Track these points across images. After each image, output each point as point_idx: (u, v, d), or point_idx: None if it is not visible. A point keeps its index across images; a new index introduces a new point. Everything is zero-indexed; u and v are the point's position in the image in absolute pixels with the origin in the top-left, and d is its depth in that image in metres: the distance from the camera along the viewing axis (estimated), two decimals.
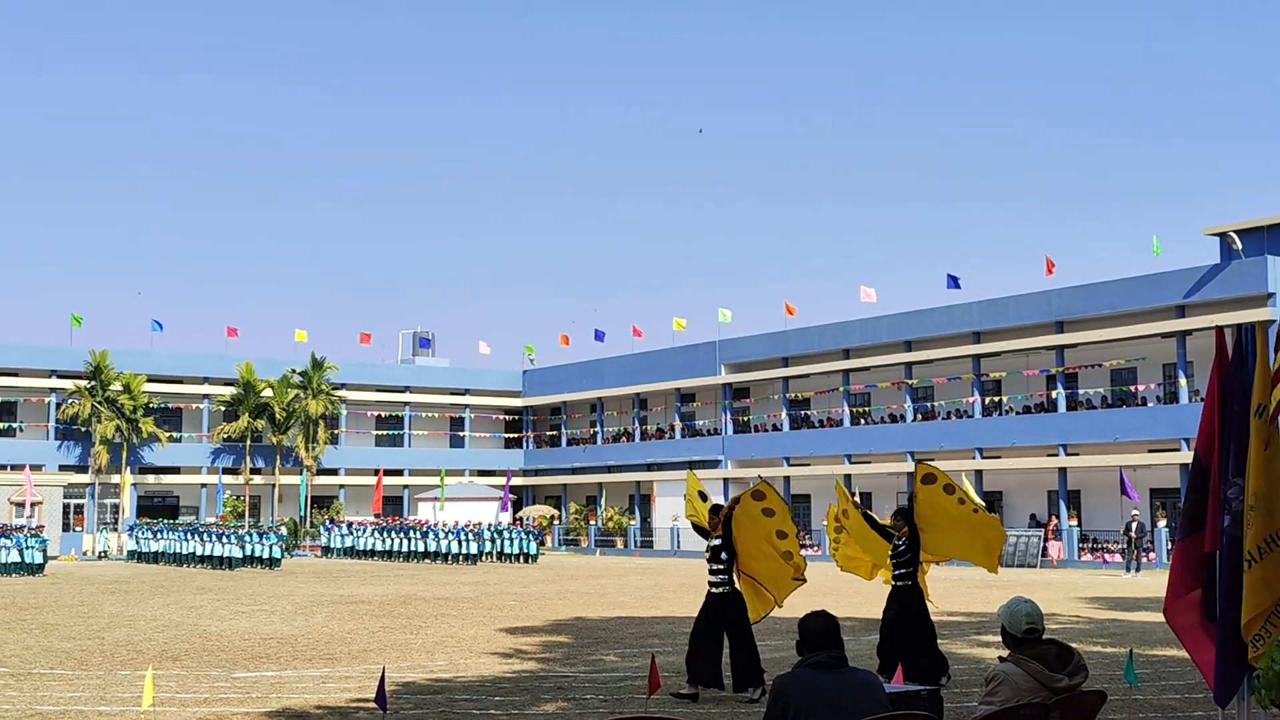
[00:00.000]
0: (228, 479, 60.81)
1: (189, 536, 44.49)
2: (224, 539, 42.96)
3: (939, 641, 13.55)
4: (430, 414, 66.28)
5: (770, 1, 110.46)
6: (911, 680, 12.23)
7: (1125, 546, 37.07)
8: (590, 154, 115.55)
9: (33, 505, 48.01)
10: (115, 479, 57.62)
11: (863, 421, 52.46)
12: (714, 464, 55.94)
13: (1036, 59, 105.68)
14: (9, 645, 17.23)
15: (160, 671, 13.88)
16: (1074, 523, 43.16)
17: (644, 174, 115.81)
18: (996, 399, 47.67)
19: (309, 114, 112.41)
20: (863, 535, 18.67)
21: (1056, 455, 44.16)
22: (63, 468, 56.53)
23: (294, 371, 60.60)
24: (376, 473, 58.11)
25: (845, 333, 51.51)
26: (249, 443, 60.00)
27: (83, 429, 56.93)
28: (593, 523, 59.77)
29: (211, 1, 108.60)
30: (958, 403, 49.07)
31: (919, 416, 49.88)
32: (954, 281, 47.79)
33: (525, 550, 47.31)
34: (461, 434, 67.33)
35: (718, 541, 12.74)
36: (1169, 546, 38.50)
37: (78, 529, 54.56)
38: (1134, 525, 36.39)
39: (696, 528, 13.63)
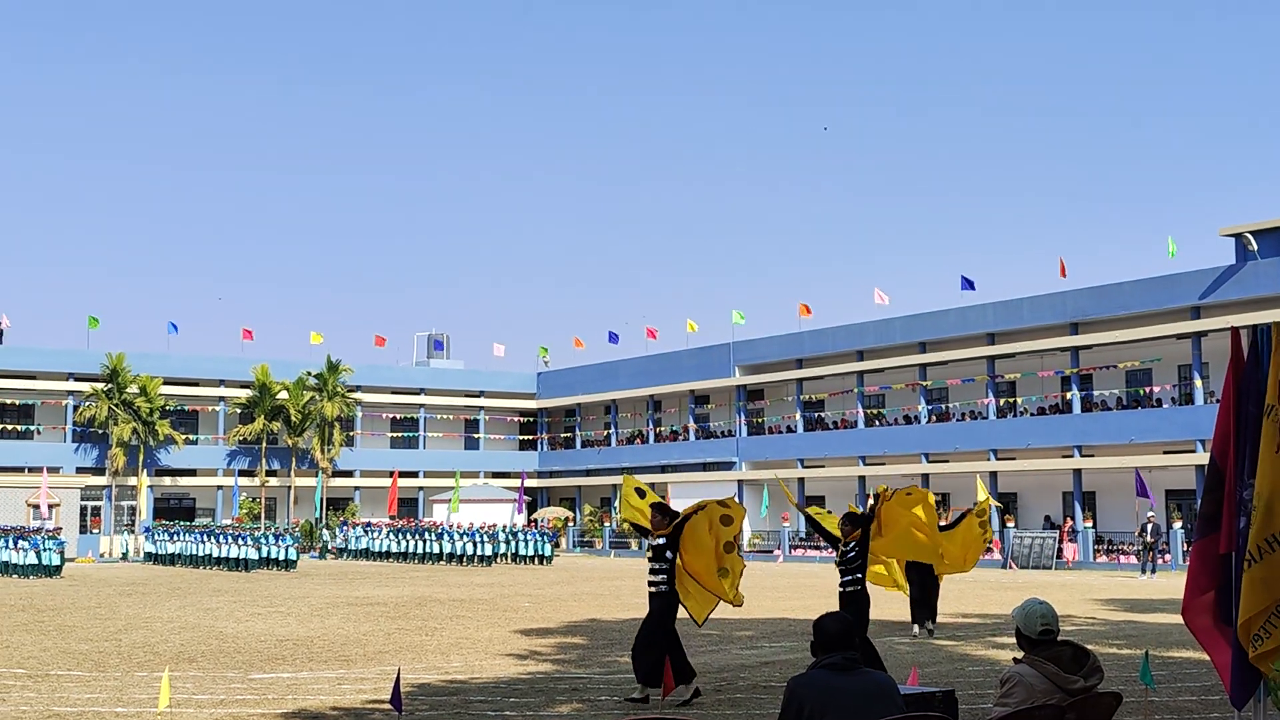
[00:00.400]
0: (243, 481, 61.01)
1: (205, 538, 44.64)
2: (240, 541, 43.09)
3: (951, 643, 13.56)
4: (445, 416, 66.40)
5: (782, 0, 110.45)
6: None
7: (1141, 548, 36.94)
8: (604, 155, 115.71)
9: (50, 507, 48.21)
10: (132, 481, 57.87)
11: (877, 423, 52.39)
12: (728, 466, 55.94)
13: (1050, 59, 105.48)
14: (27, 647, 17.32)
15: (177, 673, 13.93)
16: (1089, 524, 43.04)
17: (658, 176, 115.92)
18: (1011, 400, 47.56)
19: (323, 116, 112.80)
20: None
21: (1071, 457, 44.03)
22: (80, 470, 56.80)
23: (309, 374, 60.77)
24: (391, 475, 58.28)
25: (859, 334, 51.46)
26: (264, 445, 60.19)
27: (100, 431, 57.20)
28: (607, 524, 59.77)
29: (224, 1, 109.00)
30: (972, 404, 48.98)
31: (933, 418, 49.80)
32: (968, 283, 47.72)
33: (540, 552, 47.35)
34: (476, 436, 67.44)
35: (661, 540, 12.51)
36: (1185, 548, 38.39)
37: (95, 531, 54.83)
38: (1149, 527, 36.27)
39: (636, 526, 13.43)
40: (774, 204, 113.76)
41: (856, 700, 5.62)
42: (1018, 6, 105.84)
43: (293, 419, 60.01)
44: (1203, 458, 37.58)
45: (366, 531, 50.87)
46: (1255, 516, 6.87)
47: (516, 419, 69.50)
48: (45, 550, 37.64)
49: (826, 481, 53.00)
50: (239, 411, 60.77)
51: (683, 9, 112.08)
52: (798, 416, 54.40)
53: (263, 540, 43.33)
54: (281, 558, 42.47)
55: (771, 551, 51.30)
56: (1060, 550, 42.21)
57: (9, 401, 57.44)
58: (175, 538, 46.73)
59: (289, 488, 61.27)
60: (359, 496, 63.02)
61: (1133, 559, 39.71)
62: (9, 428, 57.47)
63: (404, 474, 60.60)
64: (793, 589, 30.28)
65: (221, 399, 60.93)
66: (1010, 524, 44.53)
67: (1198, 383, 41.06)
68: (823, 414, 55.42)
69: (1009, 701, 6.00)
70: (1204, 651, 7.62)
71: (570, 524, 61.40)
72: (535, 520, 57.60)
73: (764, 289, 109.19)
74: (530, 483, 64.40)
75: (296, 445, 60.76)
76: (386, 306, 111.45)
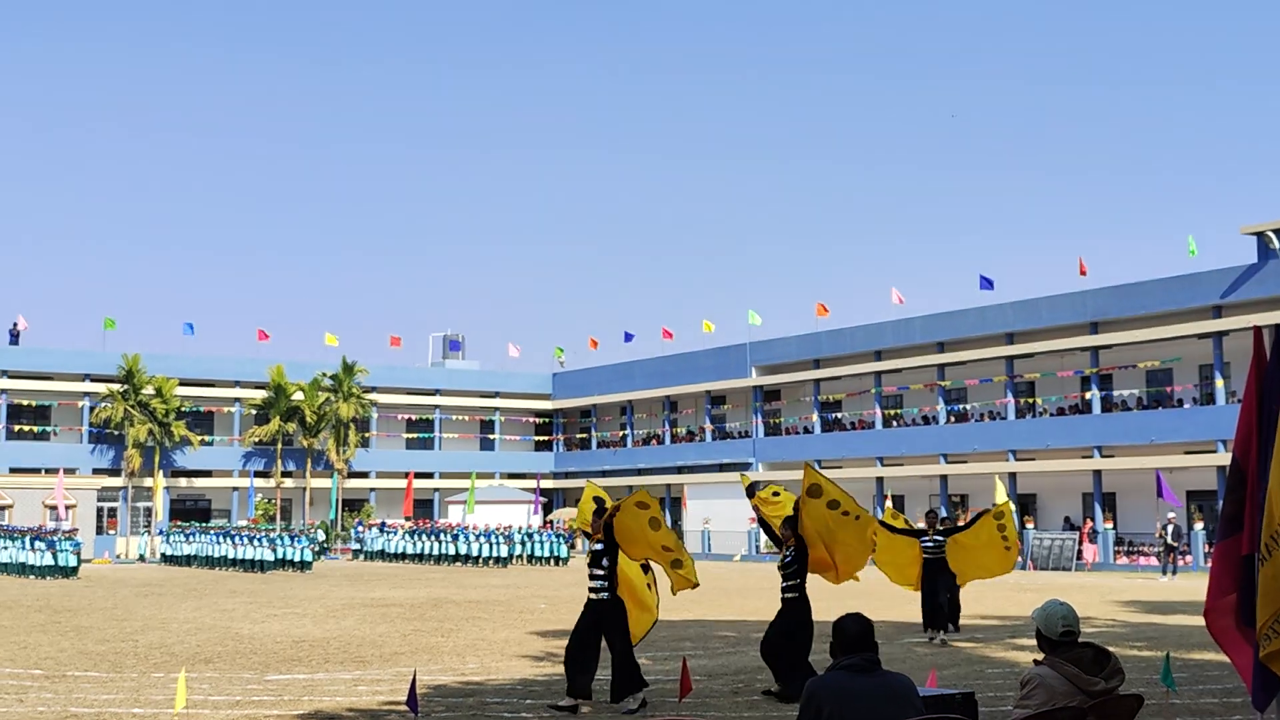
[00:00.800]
0: (259, 482, 61.18)
1: (221, 540, 44.76)
2: (255, 542, 43.19)
3: (971, 645, 13.43)
4: (460, 417, 66.48)
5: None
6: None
7: (1161, 549, 36.73)
8: (618, 155, 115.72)
9: (67, 508, 48.40)
10: (148, 482, 58.07)
11: (895, 424, 52.24)
12: (745, 466, 55.82)
13: (1069, 58, 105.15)
14: (44, 647, 17.35)
15: (193, 674, 13.93)
16: (1109, 525, 42.83)
17: (674, 176, 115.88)
18: (1030, 401, 47.37)
19: (338, 116, 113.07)
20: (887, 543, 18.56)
21: (1091, 457, 43.82)
22: (96, 471, 57.01)
23: (325, 375, 60.91)
24: (407, 476, 58.34)
25: (877, 334, 51.32)
26: (280, 446, 60.34)
27: (116, 432, 57.42)
28: None
29: (237, 1, 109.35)
30: (991, 404, 48.80)
31: (952, 418, 49.63)
32: (987, 282, 47.54)
33: (556, 553, 47.37)
34: (492, 437, 67.51)
35: (599, 546, 12.18)
36: (1206, 549, 38.17)
37: (111, 532, 55.06)
38: (1170, 528, 36.06)
39: (584, 533, 13.21)
40: (790, 204, 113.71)
41: (875, 702, 5.57)
42: (1034, 6, 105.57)
43: (308, 420, 60.16)
44: (1224, 458, 37.35)
45: (382, 532, 50.95)
46: (1267, 512, 6.78)
47: (532, 420, 69.54)
48: (62, 551, 37.77)
49: (844, 483, 52.14)
50: (254, 413, 60.94)
51: (687, 11, 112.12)
52: (815, 417, 54.28)
53: (278, 541, 43.42)
54: (297, 559, 42.55)
55: None
56: (1080, 552, 42.00)
57: (26, 403, 57.69)
58: (191, 539, 46.88)
59: (304, 489, 61.41)
60: (374, 498, 63.11)
61: (1153, 560, 39.50)
62: (26, 429, 57.71)
63: (419, 475, 60.66)
64: (810, 590, 30.11)
65: (237, 400, 61.12)
66: (1030, 525, 44.35)
67: (1219, 382, 40.83)
68: (840, 415, 55.28)
69: (1029, 703, 5.93)
70: (1225, 653, 7.53)
71: None
72: (551, 521, 57.58)
73: (781, 289, 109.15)
74: (546, 484, 64.43)
75: (312, 446, 60.90)
76: (402, 307, 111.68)
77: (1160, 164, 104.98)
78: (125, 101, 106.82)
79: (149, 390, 57.21)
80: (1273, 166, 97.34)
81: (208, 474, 60.88)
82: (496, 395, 67.49)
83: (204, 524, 54.09)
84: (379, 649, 17.13)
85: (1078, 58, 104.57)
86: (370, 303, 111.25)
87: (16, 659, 15.93)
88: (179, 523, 54.08)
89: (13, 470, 54.67)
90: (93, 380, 58.20)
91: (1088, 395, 45.02)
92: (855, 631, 5.76)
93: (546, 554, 47.26)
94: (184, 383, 59.01)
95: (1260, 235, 40.65)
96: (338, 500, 58.67)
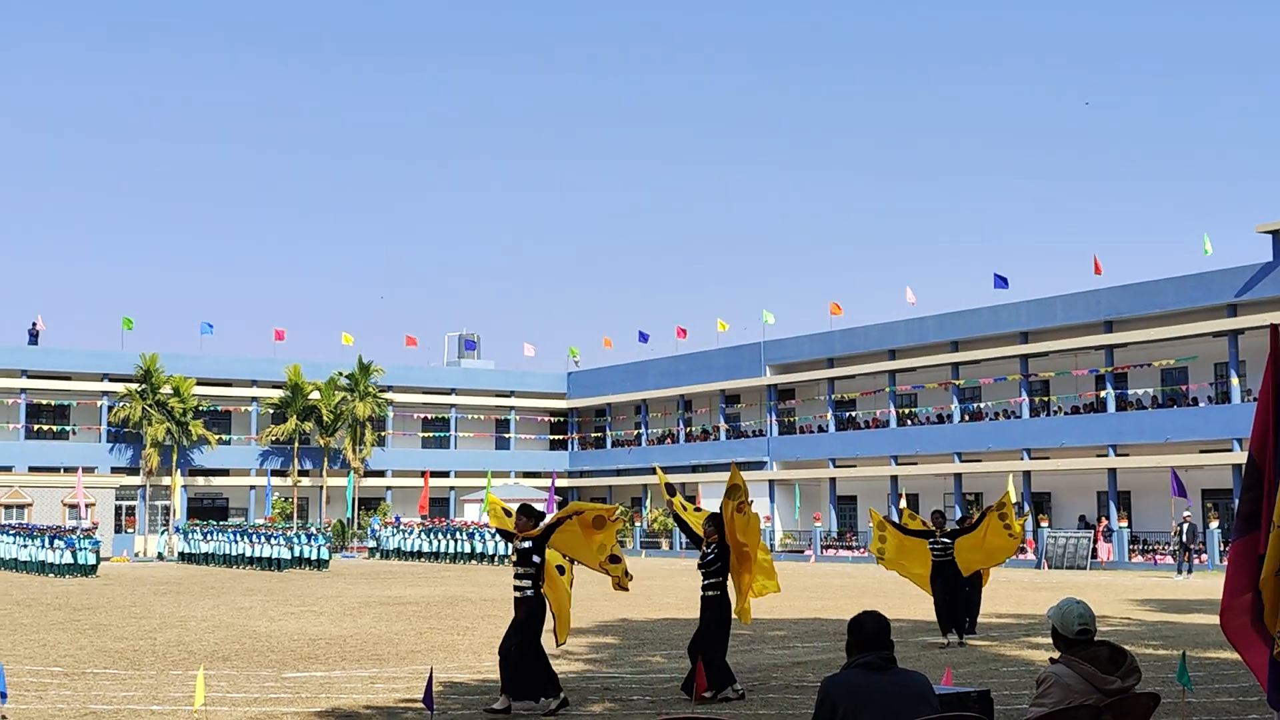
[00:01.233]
0: (276, 481, 61.39)
1: (238, 538, 44.93)
2: (273, 540, 43.34)
3: (986, 643, 13.42)
4: (476, 416, 66.60)
5: None
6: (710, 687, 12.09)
7: (1177, 548, 36.63)
8: (633, 155, 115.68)
9: (86, 507, 48.65)
10: (166, 481, 58.33)
11: (909, 423, 52.18)
12: (759, 465, 55.82)
13: (1083, 55, 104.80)
14: (63, 645, 17.46)
15: (211, 671, 14.02)
16: (1124, 524, 42.71)
17: (687, 175, 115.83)
18: (1045, 399, 47.27)
19: (354, 117, 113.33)
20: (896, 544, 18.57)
21: (1106, 456, 43.72)
22: (114, 470, 57.33)
23: (341, 374, 61.10)
24: (423, 474, 58.46)
25: (891, 333, 51.26)
26: (297, 445, 60.54)
27: (134, 432, 57.70)
28: (638, 524, 59.79)
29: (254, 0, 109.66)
30: (1005, 403, 48.71)
31: (966, 417, 49.55)
32: (1002, 281, 47.45)
33: None
34: (507, 436, 67.63)
35: (527, 544, 11.91)
36: (1221, 548, 38.04)
37: (129, 530, 55.33)
38: (1186, 527, 35.95)
39: (501, 532, 13.02)
40: (804, 202, 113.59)
41: (891, 700, 5.58)
42: (1051, 5, 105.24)
43: (325, 419, 60.35)
44: (1239, 457, 37.24)
45: (398, 530, 51.09)
46: (1277, 512, 6.78)
47: (547, 419, 69.62)
48: (81, 550, 37.96)
49: (858, 481, 52.83)
50: (271, 412, 61.16)
51: (697, 10, 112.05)
52: (829, 416, 54.24)
53: (295, 540, 43.57)
54: (314, 557, 42.69)
55: (803, 551, 51.17)
56: (1095, 550, 41.90)
57: (45, 402, 57.99)
58: (209, 537, 47.07)
59: (321, 488, 61.59)
60: (390, 496, 63.28)
61: (1168, 559, 39.39)
62: (45, 428, 58.02)
63: (435, 474, 60.79)
64: (825, 589, 30.18)
65: (254, 399, 61.34)
66: (1044, 524, 44.26)
67: (1234, 381, 40.69)
68: (854, 413, 55.23)
69: (1045, 702, 5.95)
70: (1240, 653, 7.52)
71: None
72: None
73: (794, 288, 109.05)
74: (561, 483, 64.45)
75: (328, 445, 61.09)
76: (418, 307, 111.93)
77: (1175, 163, 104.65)
78: (144, 104, 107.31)
79: (167, 390, 57.47)
80: None
81: (225, 473, 61.12)
82: (512, 394, 67.60)
83: (221, 522, 54.33)
84: (395, 647, 17.20)
85: (1092, 55, 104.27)
86: (386, 302, 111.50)
87: (36, 657, 16.04)
88: (197, 521, 54.33)
89: (32, 469, 55.02)
90: (111, 380, 58.47)
91: (1103, 394, 44.91)
92: (873, 629, 5.77)
93: None
94: (201, 382, 59.26)
95: (1275, 234, 40.47)
96: (354, 499, 58.85)
